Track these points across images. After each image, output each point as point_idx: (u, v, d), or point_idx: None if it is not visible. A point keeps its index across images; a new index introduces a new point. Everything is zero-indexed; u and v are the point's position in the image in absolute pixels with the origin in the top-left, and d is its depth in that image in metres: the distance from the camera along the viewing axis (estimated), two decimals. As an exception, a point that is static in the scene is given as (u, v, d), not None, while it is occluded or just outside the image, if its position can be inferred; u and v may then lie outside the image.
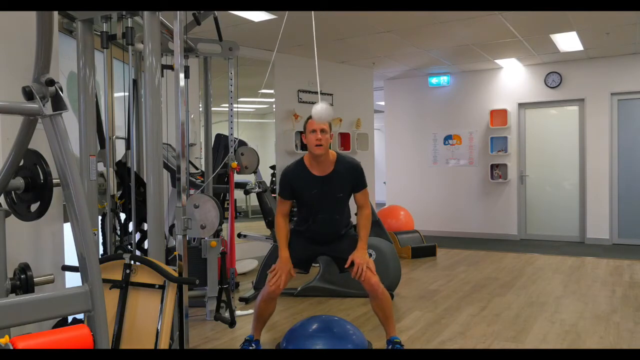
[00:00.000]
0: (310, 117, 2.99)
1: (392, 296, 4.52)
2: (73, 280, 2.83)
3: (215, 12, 3.57)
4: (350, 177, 3.08)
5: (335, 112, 7.40)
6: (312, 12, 3.43)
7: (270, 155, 6.79)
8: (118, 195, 3.32)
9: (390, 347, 3.11)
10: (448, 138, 8.63)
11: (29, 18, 2.45)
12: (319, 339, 3.00)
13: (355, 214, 3.22)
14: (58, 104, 1.74)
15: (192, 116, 5.36)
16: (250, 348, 3.16)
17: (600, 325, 3.76)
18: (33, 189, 2.11)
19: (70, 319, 2.81)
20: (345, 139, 7.59)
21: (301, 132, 3.19)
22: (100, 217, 3.11)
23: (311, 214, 3.09)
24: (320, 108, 2.86)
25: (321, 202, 3.05)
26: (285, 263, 3.05)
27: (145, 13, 2.58)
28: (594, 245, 7.33)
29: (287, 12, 4.06)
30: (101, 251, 3.17)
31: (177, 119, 2.66)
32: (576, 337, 3.52)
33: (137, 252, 3.15)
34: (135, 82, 3.51)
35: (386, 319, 3.10)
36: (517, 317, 3.99)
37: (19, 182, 2.10)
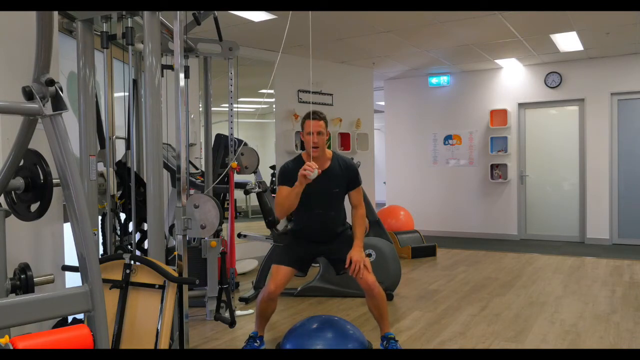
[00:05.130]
0: (306, 118, 3.05)
1: (392, 296, 4.53)
2: (73, 280, 2.83)
3: (215, 12, 3.57)
4: (346, 174, 3.16)
5: (335, 112, 7.41)
6: (310, 12, 3.43)
7: (270, 155, 6.79)
8: (118, 195, 3.32)
9: (384, 342, 3.15)
10: (448, 138, 8.63)
11: (29, 18, 2.45)
12: (319, 339, 3.01)
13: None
14: (58, 104, 1.74)
15: (192, 116, 5.35)
16: (256, 344, 3.19)
17: (600, 325, 3.76)
18: (33, 189, 2.10)
19: (70, 319, 2.81)
20: (345, 139, 7.59)
21: (299, 131, 3.23)
22: (100, 217, 3.11)
23: (308, 210, 3.13)
24: None
25: (318, 196, 3.09)
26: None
27: (145, 13, 2.58)
28: (594, 245, 7.33)
29: (290, 12, 4.05)
30: (101, 251, 3.17)
31: (177, 119, 2.66)
32: (576, 337, 3.52)
33: (137, 252, 3.15)
34: (135, 82, 3.51)
35: (381, 317, 3.16)
36: (517, 317, 3.99)
37: (19, 182, 2.10)
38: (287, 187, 3.07)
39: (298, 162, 3.13)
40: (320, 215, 3.14)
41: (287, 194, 3.02)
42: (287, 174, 3.12)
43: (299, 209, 3.17)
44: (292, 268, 3.12)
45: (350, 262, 3.04)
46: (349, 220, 3.31)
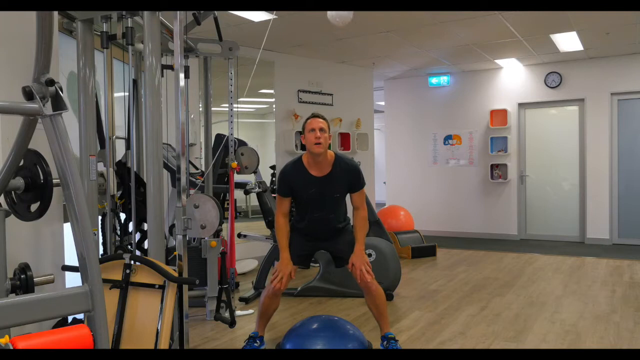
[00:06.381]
0: (309, 118, 3.05)
1: (392, 296, 4.53)
2: (73, 280, 2.82)
3: (215, 12, 3.57)
4: (348, 178, 3.12)
5: (335, 112, 7.41)
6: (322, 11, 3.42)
7: (270, 155, 6.79)
8: (118, 195, 3.32)
9: (385, 342, 3.16)
10: (448, 138, 8.63)
11: (29, 18, 2.45)
12: (319, 339, 3.01)
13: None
14: (58, 104, 1.74)
15: (192, 116, 5.35)
16: (256, 344, 3.20)
17: (600, 325, 3.76)
18: (33, 189, 2.11)
19: (70, 319, 2.81)
20: (345, 139, 7.58)
21: (300, 133, 3.22)
22: (100, 217, 3.11)
23: (308, 213, 3.13)
24: (336, 14, 2.86)
25: (318, 201, 3.09)
26: (287, 264, 3.08)
27: (145, 13, 2.58)
28: (594, 245, 7.33)
29: (281, 12, 4.05)
30: (101, 251, 3.17)
31: (177, 119, 2.66)
32: (576, 337, 3.52)
33: (137, 252, 3.15)
34: (135, 82, 3.51)
35: (380, 315, 3.17)
36: (517, 317, 3.99)
37: (19, 182, 2.10)
38: (286, 199, 3.11)
39: (297, 166, 3.11)
40: (321, 218, 3.15)
41: (281, 233, 3.11)
42: (285, 181, 3.12)
43: (300, 211, 3.19)
44: (294, 264, 3.14)
45: (353, 266, 3.07)
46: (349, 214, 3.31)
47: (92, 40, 2.87)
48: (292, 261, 3.13)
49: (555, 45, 6.63)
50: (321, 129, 2.99)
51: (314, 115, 3.07)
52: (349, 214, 3.30)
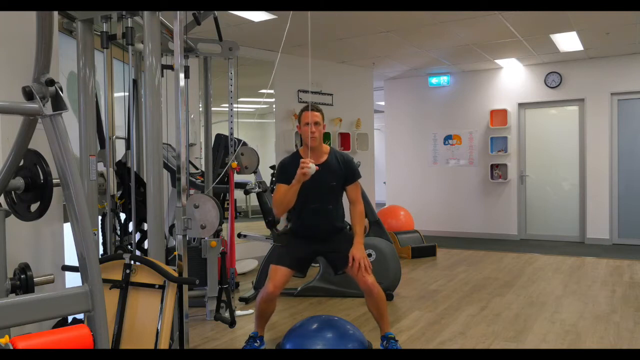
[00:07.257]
0: (304, 109, 3.08)
1: (392, 296, 4.53)
2: (73, 280, 2.83)
3: (215, 12, 3.57)
4: (343, 167, 3.17)
5: (335, 112, 7.41)
6: (309, 12, 3.43)
7: (270, 155, 6.79)
8: (118, 195, 3.32)
9: (385, 342, 3.16)
10: (448, 138, 8.63)
11: (29, 18, 2.45)
12: (319, 339, 3.01)
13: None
14: (58, 104, 1.74)
15: (192, 116, 5.35)
16: (256, 344, 3.20)
17: (600, 325, 3.76)
18: (33, 189, 2.10)
19: (70, 319, 2.81)
20: (345, 139, 7.59)
21: (297, 124, 3.25)
22: (100, 217, 3.11)
23: (305, 204, 3.12)
24: None
25: (315, 190, 3.08)
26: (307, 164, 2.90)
27: (145, 13, 2.58)
28: (594, 245, 7.33)
29: (290, 12, 4.05)
30: (101, 251, 3.17)
31: (177, 119, 2.66)
32: (576, 337, 3.52)
33: (137, 252, 3.15)
34: (135, 82, 3.51)
35: (380, 316, 3.17)
36: (517, 317, 3.99)
37: (19, 182, 2.10)
38: (285, 185, 3.07)
39: (295, 157, 3.16)
40: (317, 209, 3.14)
41: (284, 191, 3.03)
42: (284, 170, 3.13)
43: (296, 205, 3.17)
44: (290, 269, 3.11)
45: (353, 261, 3.06)
46: (347, 219, 3.30)
47: (92, 40, 2.87)
48: (290, 265, 3.11)
49: (555, 45, 6.63)
50: (316, 123, 3.07)
51: (308, 109, 3.09)
52: (347, 219, 3.30)
